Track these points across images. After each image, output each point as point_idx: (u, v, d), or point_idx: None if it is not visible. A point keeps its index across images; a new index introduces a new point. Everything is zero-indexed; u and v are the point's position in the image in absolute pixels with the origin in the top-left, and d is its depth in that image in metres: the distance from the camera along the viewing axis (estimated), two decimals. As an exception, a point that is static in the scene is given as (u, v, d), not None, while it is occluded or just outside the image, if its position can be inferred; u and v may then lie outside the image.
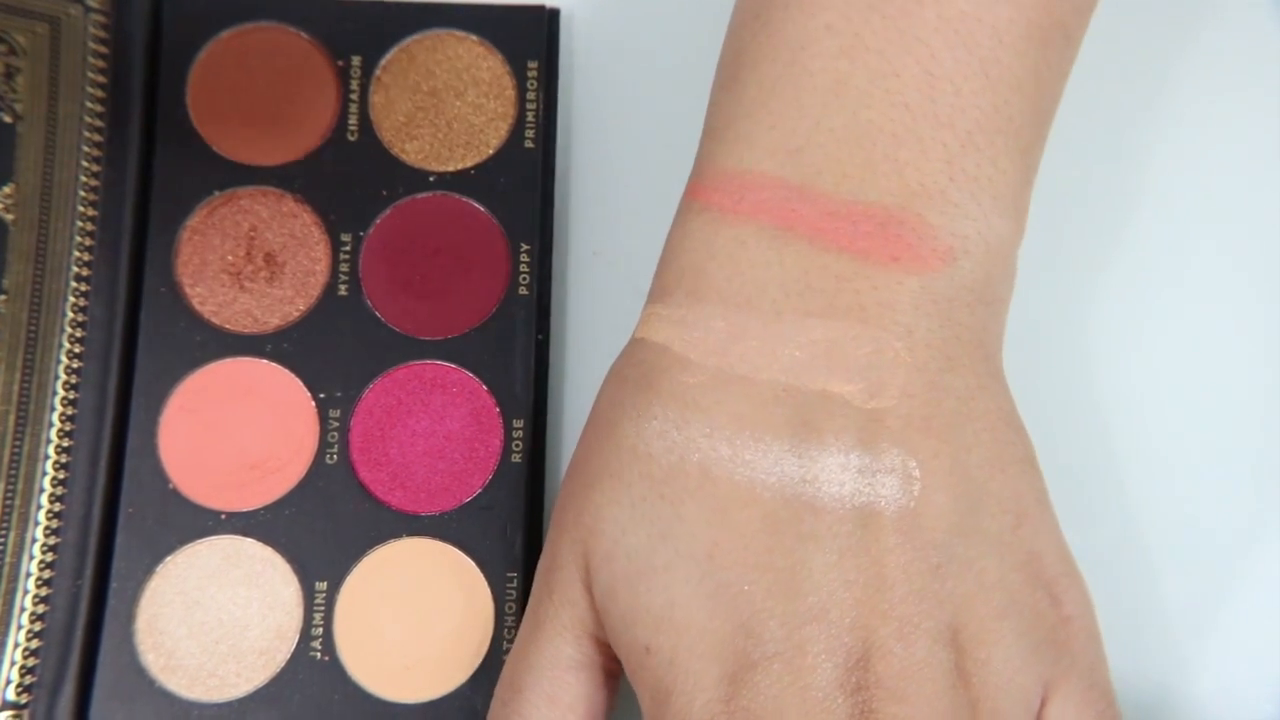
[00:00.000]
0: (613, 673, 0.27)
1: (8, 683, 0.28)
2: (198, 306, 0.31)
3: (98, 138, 0.31)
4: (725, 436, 0.25)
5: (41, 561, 0.29)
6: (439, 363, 0.31)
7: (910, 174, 0.25)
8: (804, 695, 0.23)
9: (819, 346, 0.25)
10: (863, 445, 0.24)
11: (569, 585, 0.26)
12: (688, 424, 0.25)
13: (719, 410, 0.25)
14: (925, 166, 0.25)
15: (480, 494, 0.30)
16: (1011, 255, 0.27)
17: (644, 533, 0.25)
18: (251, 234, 0.32)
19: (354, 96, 0.33)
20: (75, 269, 0.30)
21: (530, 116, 0.33)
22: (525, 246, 0.32)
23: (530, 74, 0.33)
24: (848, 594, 0.24)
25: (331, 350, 0.31)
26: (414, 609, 0.30)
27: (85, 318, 0.30)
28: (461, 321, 0.32)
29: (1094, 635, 0.26)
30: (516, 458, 0.31)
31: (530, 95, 0.33)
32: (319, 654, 0.29)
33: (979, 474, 0.25)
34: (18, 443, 0.29)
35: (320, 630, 0.30)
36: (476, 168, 0.33)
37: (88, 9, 0.32)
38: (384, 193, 0.32)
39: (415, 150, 0.33)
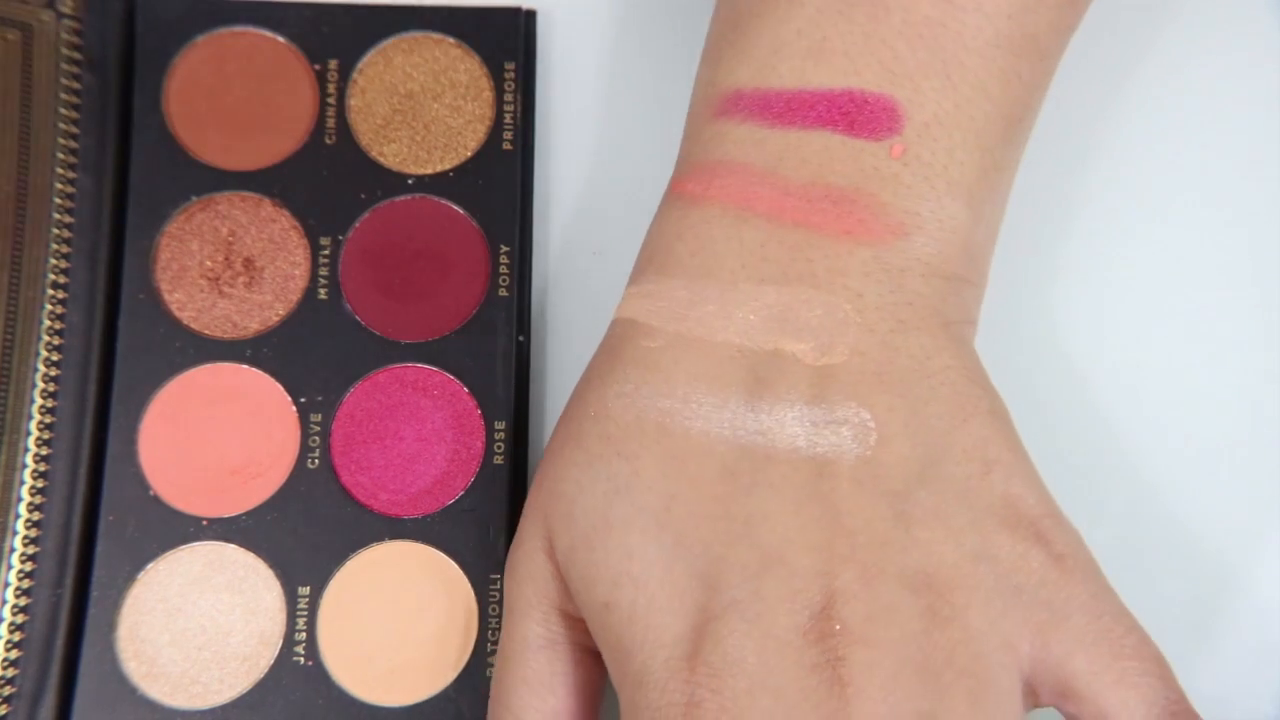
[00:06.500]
0: (590, 649, 0.26)
1: (-11, 693, 0.28)
2: (176, 312, 0.31)
3: (73, 144, 0.31)
4: (681, 394, 0.25)
5: (21, 570, 0.29)
6: (420, 365, 0.31)
7: (866, 159, 0.26)
8: (763, 643, 0.23)
9: (772, 310, 0.26)
10: (815, 399, 0.25)
11: (531, 558, 0.26)
12: (646, 383, 0.26)
13: (676, 369, 0.26)
14: (879, 153, 0.26)
15: (462, 496, 0.30)
16: (972, 239, 0.27)
17: (600, 490, 0.25)
18: (230, 239, 0.32)
19: (331, 100, 0.33)
20: (52, 276, 0.30)
21: (508, 118, 0.33)
22: (505, 248, 0.32)
23: (508, 75, 0.33)
24: (804, 540, 0.24)
25: (312, 355, 0.31)
26: (397, 612, 0.30)
27: (63, 325, 0.30)
28: (442, 324, 0.31)
29: (1092, 567, 0.25)
30: (499, 459, 0.31)
31: (508, 97, 0.33)
32: (303, 659, 0.29)
33: (939, 424, 0.25)
34: (-4, 451, 0.29)
35: (304, 635, 0.29)
36: (455, 170, 0.33)
37: (60, 15, 0.31)
38: (362, 196, 0.32)
39: (393, 153, 0.33)
